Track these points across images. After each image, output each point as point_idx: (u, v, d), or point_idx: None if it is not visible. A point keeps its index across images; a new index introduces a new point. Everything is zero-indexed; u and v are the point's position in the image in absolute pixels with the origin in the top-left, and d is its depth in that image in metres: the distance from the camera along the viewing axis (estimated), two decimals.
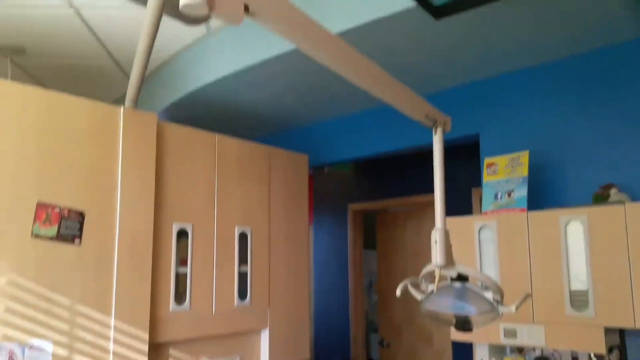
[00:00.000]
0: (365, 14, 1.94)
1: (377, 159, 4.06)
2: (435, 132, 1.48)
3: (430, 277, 1.26)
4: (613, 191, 2.01)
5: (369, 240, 4.77)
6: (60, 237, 1.84)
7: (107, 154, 2.02)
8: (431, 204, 3.83)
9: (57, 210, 1.85)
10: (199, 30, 2.55)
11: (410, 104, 1.28)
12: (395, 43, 2.13)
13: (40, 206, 1.81)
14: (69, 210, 1.88)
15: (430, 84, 2.68)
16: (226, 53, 2.43)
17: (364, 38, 2.07)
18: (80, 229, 1.90)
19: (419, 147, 2.86)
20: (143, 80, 1.65)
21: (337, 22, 2.02)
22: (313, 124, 3.34)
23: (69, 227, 1.87)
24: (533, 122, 2.40)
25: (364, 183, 4.31)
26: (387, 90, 1.20)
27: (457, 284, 1.22)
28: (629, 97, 2.15)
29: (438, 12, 1.74)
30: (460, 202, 3.60)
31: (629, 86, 2.15)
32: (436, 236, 1.21)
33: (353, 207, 4.28)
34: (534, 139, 2.38)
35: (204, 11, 0.80)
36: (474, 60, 2.37)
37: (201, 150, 2.39)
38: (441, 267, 1.19)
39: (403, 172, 4.07)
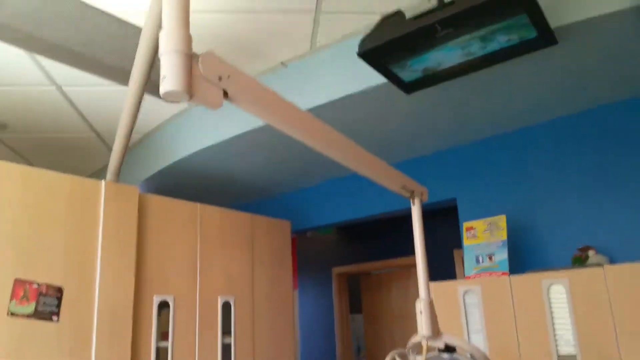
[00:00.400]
0: (339, 90, 2.02)
1: (359, 222, 4.07)
2: (413, 202, 1.50)
3: (418, 348, 1.24)
4: (591, 253, 2.04)
5: (355, 304, 4.68)
6: (37, 314, 1.78)
7: (87, 228, 2.00)
8: (415, 265, 3.81)
9: (35, 286, 1.80)
10: (181, 104, 2.61)
11: (386, 176, 1.31)
12: (370, 115, 2.20)
13: (18, 283, 1.76)
14: (47, 286, 1.83)
15: (407, 151, 2.73)
16: (208, 125, 2.47)
17: (339, 111, 2.14)
18: (59, 305, 1.84)
19: (400, 210, 2.88)
20: (125, 153, 1.67)
21: (314, 97, 2.09)
22: (295, 190, 3.36)
23: (47, 303, 1.82)
24: (508, 185, 2.44)
25: (347, 246, 4.29)
26: (362, 165, 1.23)
27: (445, 355, 1.20)
28: (604, 158, 2.22)
29: (409, 88, 1.81)
30: (443, 264, 3.58)
31: (604, 148, 2.23)
32: (421, 307, 1.20)
33: (337, 270, 4.23)
34: (510, 202, 2.42)
35: (184, 99, 0.83)
36: (448, 128, 2.44)
37: (183, 221, 2.37)
38: (428, 338, 1.18)
39: (386, 235, 4.06)
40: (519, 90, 2.08)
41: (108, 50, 1.81)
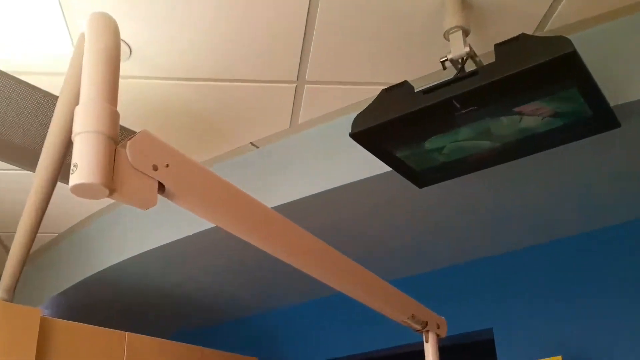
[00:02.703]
0: (325, 180, 2.03)
1: None
2: (427, 338, 1.44)
3: None
4: None
5: None
6: None
7: None
8: None
9: None
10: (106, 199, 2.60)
11: (386, 301, 1.26)
12: (366, 214, 2.21)
13: None
14: None
15: (416, 264, 2.71)
16: (147, 222, 2.45)
17: (325, 208, 2.15)
18: None
19: (415, 345, 2.80)
20: (24, 264, 1.61)
21: (292, 189, 2.10)
22: (265, 313, 3.29)
23: None
24: (565, 313, 2.40)
25: None
26: (353, 285, 1.18)
27: None
28: None
29: (421, 179, 1.82)
30: None
31: None
32: None
33: None
34: (569, 337, 2.37)
35: (101, 195, 0.79)
36: (474, 232, 2.44)
37: (104, 354, 2.26)
38: None
39: None
40: (569, 185, 2.10)
41: (18, 128, 1.81)
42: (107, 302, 3.00)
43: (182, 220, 2.33)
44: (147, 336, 2.46)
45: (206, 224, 2.24)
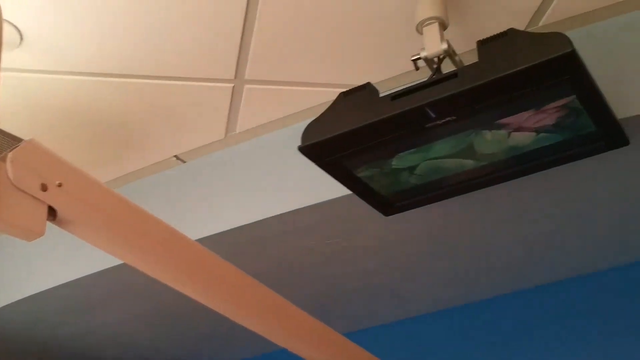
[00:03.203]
0: (265, 205, 2.04)
1: None
2: None
3: None
4: None
5: None
6: None
7: None
8: None
9: None
10: None
11: (335, 358, 1.26)
12: (316, 250, 2.21)
13: None
14: None
15: (388, 310, 2.71)
16: (30, 260, 2.41)
17: (264, 242, 2.16)
18: None
19: None
20: None
21: (224, 215, 2.10)
22: None
23: None
24: None
25: None
26: (299, 340, 1.18)
27: None
28: None
29: (389, 206, 1.83)
30: None
31: None
32: None
33: None
34: None
35: None
36: (450, 275, 2.46)
37: None
38: None
39: None
40: (573, 212, 2.14)
41: None
42: None
43: (80, 255, 2.29)
44: None
45: (111, 262, 2.21)
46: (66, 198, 0.85)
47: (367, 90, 1.53)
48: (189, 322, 2.73)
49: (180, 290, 1.07)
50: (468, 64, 1.43)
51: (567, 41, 1.29)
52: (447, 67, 1.52)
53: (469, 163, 1.69)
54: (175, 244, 1.02)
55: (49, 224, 0.84)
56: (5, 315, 2.53)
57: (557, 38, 1.31)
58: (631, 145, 1.68)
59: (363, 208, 1.94)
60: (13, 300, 2.43)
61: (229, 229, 2.08)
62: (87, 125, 2.03)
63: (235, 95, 1.96)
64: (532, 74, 1.33)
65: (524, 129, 1.55)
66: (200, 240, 2.09)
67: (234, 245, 2.15)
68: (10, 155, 0.78)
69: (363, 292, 2.59)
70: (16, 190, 0.79)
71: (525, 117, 1.51)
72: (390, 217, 1.93)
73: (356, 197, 1.81)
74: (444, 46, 1.51)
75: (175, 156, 2.21)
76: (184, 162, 2.24)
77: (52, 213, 0.85)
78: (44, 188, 0.82)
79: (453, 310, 2.72)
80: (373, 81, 1.58)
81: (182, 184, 2.23)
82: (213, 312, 2.63)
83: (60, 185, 0.84)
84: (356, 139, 1.54)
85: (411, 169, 1.69)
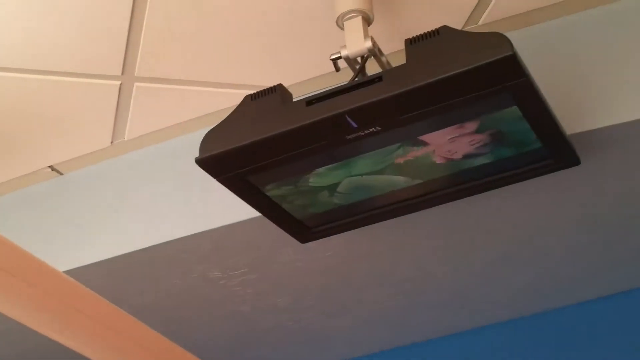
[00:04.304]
0: (157, 231, 2.04)
1: None
2: None
3: None
4: None
5: None
6: None
7: None
8: None
9: None
10: None
11: None
12: (231, 275, 2.20)
13: None
14: None
15: (311, 354, 2.72)
16: None
17: (154, 272, 2.16)
18: None
19: None
20: None
21: (104, 242, 2.09)
22: None
23: None
24: None
25: None
26: None
27: None
28: None
29: (306, 232, 1.83)
30: None
31: None
32: None
33: None
34: None
35: None
36: (392, 307, 2.48)
37: None
38: None
39: None
40: (519, 240, 2.18)
41: None
42: None
43: None
44: None
45: None
46: None
47: (277, 93, 1.52)
48: None
49: (46, 335, 1.06)
50: (396, 65, 1.45)
51: (507, 43, 1.31)
52: (373, 69, 1.54)
53: (400, 181, 1.70)
54: (35, 273, 1.01)
55: None
56: None
57: (496, 39, 1.32)
58: (585, 164, 1.72)
59: (275, 233, 1.94)
60: None
61: (113, 256, 2.06)
62: None
63: (123, 95, 1.93)
64: (466, 80, 1.35)
65: (444, 153, 1.58)
66: (73, 272, 2.04)
67: (119, 273, 2.13)
68: None
69: (276, 333, 2.58)
70: None
71: (461, 130, 1.53)
72: (308, 244, 1.94)
73: (266, 220, 1.81)
74: (368, 44, 1.52)
75: (50, 167, 2.17)
76: (61, 174, 2.20)
77: None
78: None
79: (380, 356, 2.73)
80: (285, 83, 1.58)
81: (57, 200, 2.20)
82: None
83: None
84: (264, 151, 1.53)
85: (332, 187, 1.69)
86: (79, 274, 1.96)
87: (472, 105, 1.45)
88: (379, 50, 1.56)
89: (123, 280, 2.18)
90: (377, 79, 1.42)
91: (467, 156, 1.62)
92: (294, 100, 1.52)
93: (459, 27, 1.78)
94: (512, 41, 1.30)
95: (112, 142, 2.10)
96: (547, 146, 1.59)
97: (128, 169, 2.14)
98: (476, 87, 1.38)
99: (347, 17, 1.56)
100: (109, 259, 2.07)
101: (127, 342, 1.10)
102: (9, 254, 0.96)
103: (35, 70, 1.84)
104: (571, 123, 1.70)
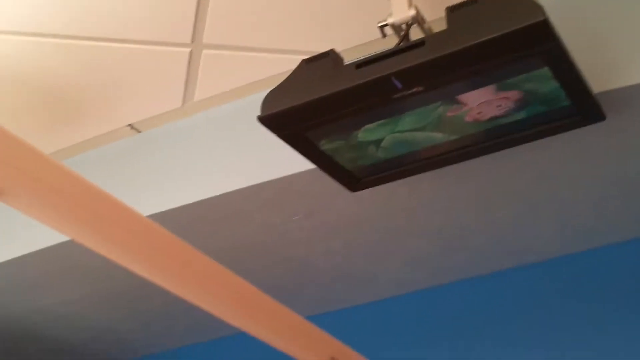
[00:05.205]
0: (223, 180, 2.05)
1: None
2: None
3: None
4: None
5: None
6: None
7: None
8: None
9: None
10: None
11: (298, 342, 1.28)
12: (279, 227, 2.23)
13: None
14: None
15: (358, 291, 2.74)
16: None
17: (223, 219, 2.17)
18: None
19: None
20: None
21: (179, 189, 2.11)
22: (150, 355, 3.29)
23: None
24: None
25: None
26: (251, 320, 1.19)
27: None
28: None
29: (355, 181, 1.84)
30: None
31: None
32: None
33: None
34: None
35: None
36: (421, 253, 2.49)
37: None
38: None
39: None
40: (546, 194, 2.17)
41: None
42: None
43: (29, 230, 2.28)
44: None
45: (61, 237, 2.20)
46: (9, 171, 0.84)
47: (330, 57, 1.53)
48: (143, 302, 2.73)
49: (131, 268, 1.07)
50: (437, 31, 1.44)
51: (540, 9, 1.30)
52: (416, 36, 1.53)
53: (438, 137, 1.70)
54: (126, 220, 1.02)
55: None
56: None
57: (530, 5, 1.31)
58: (609, 121, 1.70)
59: (328, 183, 1.95)
60: None
61: (185, 204, 2.08)
62: (32, 91, 2.02)
63: (192, 61, 1.95)
64: (501, 43, 1.34)
65: (477, 111, 1.57)
66: (154, 217, 2.09)
67: (189, 222, 2.16)
68: None
69: (327, 274, 2.60)
70: None
71: (496, 89, 1.52)
72: (357, 193, 1.94)
73: (320, 172, 1.82)
74: (412, 12, 1.52)
75: (129, 125, 2.20)
76: (139, 131, 2.23)
77: None
78: None
79: (420, 294, 2.74)
80: (337, 48, 1.58)
81: (136, 155, 2.23)
82: (167, 292, 2.65)
83: (2, 159, 0.83)
84: (318, 109, 1.54)
85: (377, 142, 1.70)
86: (156, 220, 1.99)
87: (507, 67, 1.44)
88: (422, 17, 1.55)
89: (190, 228, 2.20)
90: (420, 43, 1.41)
91: (500, 113, 1.61)
92: (345, 63, 1.52)
93: None
94: (544, 6, 1.29)
95: (183, 103, 2.12)
96: (575, 103, 1.57)
97: (197, 127, 2.15)
98: (511, 50, 1.37)
99: None
100: (180, 207, 2.10)
101: (200, 275, 1.11)
102: (99, 199, 0.97)
103: (115, 39, 1.86)
104: (597, 81, 1.67)
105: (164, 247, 1.06)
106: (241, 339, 3.04)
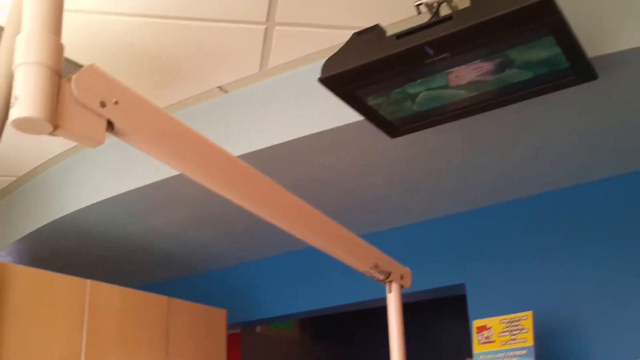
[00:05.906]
0: (293, 128, 2.04)
1: (330, 315, 4.01)
2: (390, 289, 1.48)
3: None
4: None
5: None
6: None
7: None
8: None
9: None
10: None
11: (350, 251, 1.28)
12: (336, 165, 2.22)
13: None
14: None
15: (388, 218, 2.76)
16: (105, 170, 2.44)
17: (292, 158, 2.17)
18: None
19: (383, 299, 2.85)
20: None
21: (259, 136, 2.11)
22: (233, 266, 3.32)
23: None
24: (538, 269, 2.46)
25: (311, 348, 4.19)
26: (316, 234, 1.20)
27: None
28: None
29: (394, 129, 1.84)
30: None
31: None
32: None
33: None
34: (540, 293, 2.42)
35: (45, 131, 0.79)
36: (449, 186, 2.47)
37: (65, 302, 2.28)
38: None
39: (367, 333, 4.00)
40: (549, 138, 2.12)
41: None
42: (68, 251, 3.00)
43: (144, 167, 2.32)
44: (109, 284, 2.48)
45: (168, 173, 2.24)
46: (122, 113, 0.85)
47: (376, 31, 1.52)
48: (230, 223, 2.76)
49: (219, 192, 1.08)
50: (462, 8, 1.42)
51: None
52: (445, 12, 1.50)
53: (462, 93, 1.69)
54: (219, 157, 1.03)
55: (120, 141, 0.85)
56: (84, 215, 2.59)
57: None
58: (601, 80, 1.69)
59: (373, 132, 1.94)
60: (89, 204, 2.48)
61: (262, 147, 2.10)
62: (139, 60, 2.03)
63: (267, 36, 1.94)
64: (514, 17, 1.32)
65: (508, 64, 1.55)
66: (239, 157, 2.11)
67: (266, 160, 2.17)
68: (74, 77, 0.79)
69: (371, 203, 2.60)
70: (79, 105, 0.80)
71: (507, 53, 1.50)
72: (395, 139, 1.94)
73: (367, 122, 1.82)
74: None
75: (218, 87, 2.21)
76: (226, 92, 2.24)
77: (110, 126, 0.86)
78: (102, 104, 0.82)
79: (447, 218, 2.73)
80: (382, 24, 1.57)
81: (223, 110, 2.24)
82: (249, 218, 2.69)
83: (116, 102, 0.84)
84: (366, 72, 1.54)
85: (413, 98, 1.69)
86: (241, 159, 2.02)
87: (519, 36, 1.41)
88: None
89: (266, 166, 2.21)
90: (448, 18, 1.41)
91: (511, 73, 1.59)
92: (388, 35, 1.51)
93: None
94: None
95: (260, 69, 2.11)
96: (573, 66, 1.54)
97: (270, 88, 2.15)
98: (522, 22, 1.35)
99: None
100: (259, 150, 2.11)
101: (275, 200, 1.12)
102: (195, 139, 0.98)
103: (208, 19, 1.86)
104: (592, 47, 1.62)
105: (248, 178, 1.07)
106: (306, 252, 3.10)
